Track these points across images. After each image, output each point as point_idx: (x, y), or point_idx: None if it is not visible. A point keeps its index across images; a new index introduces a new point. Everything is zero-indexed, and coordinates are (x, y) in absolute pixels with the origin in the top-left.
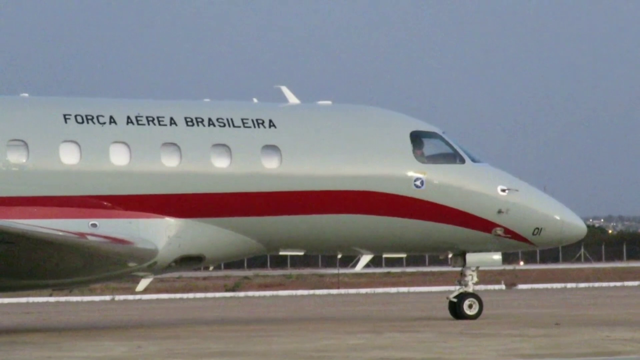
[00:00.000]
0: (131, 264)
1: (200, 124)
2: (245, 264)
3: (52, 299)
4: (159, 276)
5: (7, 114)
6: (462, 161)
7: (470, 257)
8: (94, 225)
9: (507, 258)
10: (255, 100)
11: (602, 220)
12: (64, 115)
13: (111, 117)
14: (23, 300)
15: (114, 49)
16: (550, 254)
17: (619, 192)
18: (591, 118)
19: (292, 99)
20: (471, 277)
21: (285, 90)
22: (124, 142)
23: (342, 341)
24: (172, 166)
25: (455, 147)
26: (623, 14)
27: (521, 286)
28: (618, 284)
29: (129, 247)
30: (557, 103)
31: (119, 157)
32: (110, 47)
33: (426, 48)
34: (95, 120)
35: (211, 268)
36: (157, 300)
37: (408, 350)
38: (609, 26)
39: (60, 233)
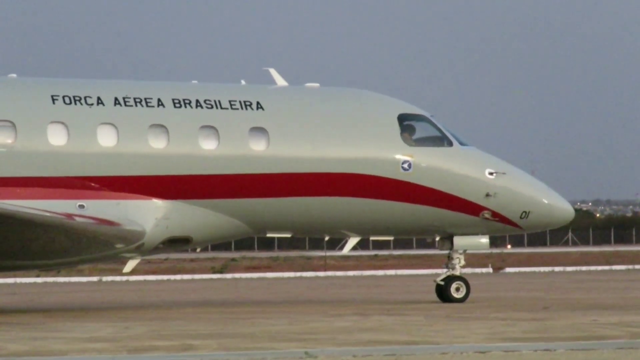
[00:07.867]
0: (119, 246)
1: (187, 105)
2: (233, 246)
3: (39, 280)
4: (146, 257)
5: None
6: (450, 144)
7: (458, 240)
8: (81, 206)
9: (495, 241)
10: (243, 82)
11: (589, 204)
12: (52, 96)
13: (99, 98)
14: (10, 280)
15: (103, 31)
16: (538, 238)
17: (607, 176)
18: (580, 102)
19: (280, 82)
20: (459, 261)
21: (273, 72)
22: (111, 124)
23: (328, 324)
24: (159, 148)
25: (443, 130)
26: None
27: (509, 270)
28: (606, 267)
29: (116, 228)
30: (546, 88)
31: (106, 139)
32: (98, 29)
33: (415, 32)
34: (83, 101)
35: (198, 250)
36: (144, 281)
37: (395, 333)
38: (598, 21)
39: (48, 214)
